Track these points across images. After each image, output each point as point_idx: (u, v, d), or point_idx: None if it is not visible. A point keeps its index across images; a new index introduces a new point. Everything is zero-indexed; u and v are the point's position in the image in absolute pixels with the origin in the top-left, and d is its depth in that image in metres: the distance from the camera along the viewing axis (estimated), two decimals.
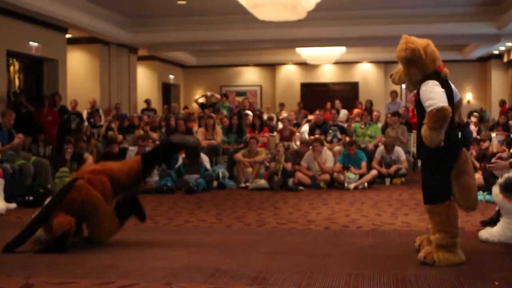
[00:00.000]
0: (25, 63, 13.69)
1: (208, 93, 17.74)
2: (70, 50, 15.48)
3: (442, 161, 4.92)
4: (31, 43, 13.18)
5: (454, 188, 4.96)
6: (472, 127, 12.30)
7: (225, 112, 15.11)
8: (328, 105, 16.46)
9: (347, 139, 11.75)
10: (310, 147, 11.09)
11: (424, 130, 4.75)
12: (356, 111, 13.93)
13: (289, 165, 10.53)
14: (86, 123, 14.33)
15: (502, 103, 17.63)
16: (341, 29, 15.73)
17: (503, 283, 4.29)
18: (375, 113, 13.27)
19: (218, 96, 17.25)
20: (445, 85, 4.92)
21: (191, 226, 6.99)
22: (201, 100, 17.78)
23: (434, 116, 4.67)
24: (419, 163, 5.22)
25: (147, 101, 17.85)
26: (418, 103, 5.02)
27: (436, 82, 4.85)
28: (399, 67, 5.13)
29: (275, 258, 5.20)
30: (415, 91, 5.07)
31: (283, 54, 22.19)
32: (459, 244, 4.94)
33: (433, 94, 4.77)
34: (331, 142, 12.04)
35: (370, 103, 15.98)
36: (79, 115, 14.26)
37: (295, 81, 23.59)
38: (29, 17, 12.77)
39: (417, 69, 4.94)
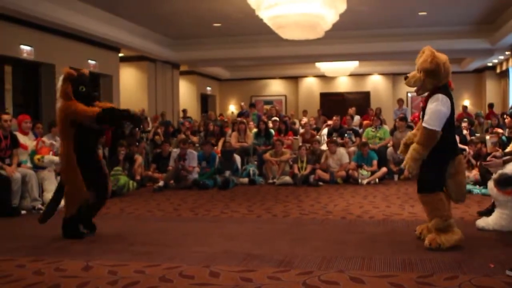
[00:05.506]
0: None
1: (243, 104, 17.93)
2: (122, 67, 15.65)
3: (442, 158, 4.91)
4: (89, 61, 13.36)
5: (450, 184, 5.02)
6: (465, 131, 12.30)
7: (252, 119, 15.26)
8: (349, 111, 16.37)
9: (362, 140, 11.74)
10: (325, 146, 11.15)
11: (415, 143, 4.86)
12: (365, 122, 13.82)
13: (309, 168, 10.52)
14: (137, 129, 14.39)
15: (489, 106, 17.38)
16: (354, 46, 15.71)
17: (497, 264, 4.24)
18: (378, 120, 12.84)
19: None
20: (450, 97, 4.92)
21: (226, 217, 7.01)
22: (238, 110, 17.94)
23: (427, 135, 4.78)
24: None
25: (184, 111, 18.01)
26: (424, 108, 5.03)
27: (445, 98, 4.84)
28: (414, 72, 5.07)
29: (299, 244, 5.20)
30: (423, 96, 5.13)
31: (305, 68, 22.19)
32: (454, 224, 4.93)
33: (436, 115, 4.79)
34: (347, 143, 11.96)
35: (379, 110, 15.79)
36: None
37: (315, 91, 23.53)
38: (87, 39, 12.95)
39: (433, 80, 4.91)
